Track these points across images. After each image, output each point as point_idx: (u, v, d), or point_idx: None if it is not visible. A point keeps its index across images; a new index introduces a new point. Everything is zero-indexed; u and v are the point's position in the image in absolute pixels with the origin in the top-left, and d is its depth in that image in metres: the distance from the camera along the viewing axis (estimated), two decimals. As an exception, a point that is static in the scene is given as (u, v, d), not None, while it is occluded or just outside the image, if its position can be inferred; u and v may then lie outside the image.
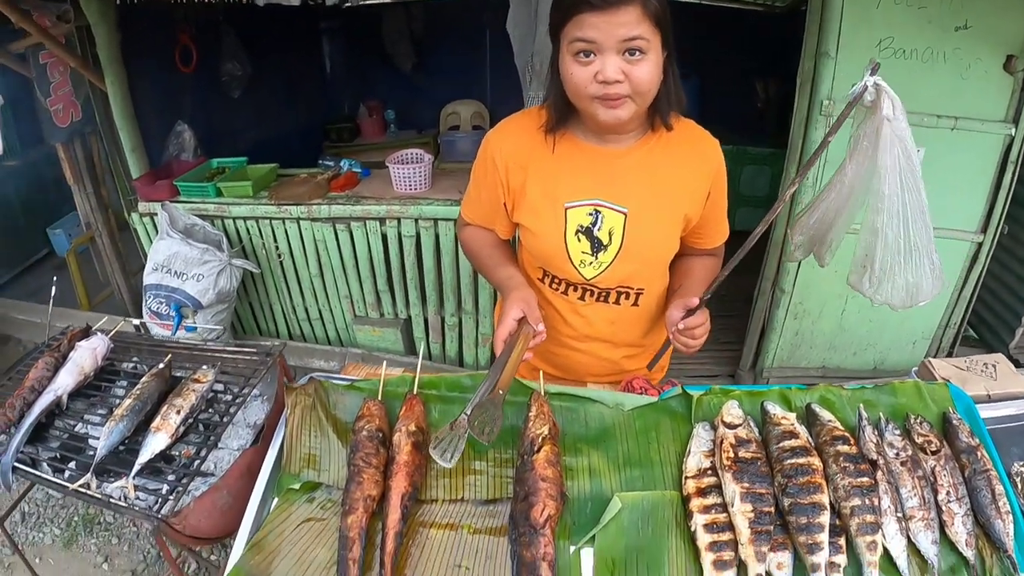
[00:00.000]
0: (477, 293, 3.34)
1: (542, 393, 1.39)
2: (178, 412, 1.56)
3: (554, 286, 1.56)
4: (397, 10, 5.62)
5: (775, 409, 1.33)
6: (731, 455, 1.23)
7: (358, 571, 1.17)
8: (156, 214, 3.43)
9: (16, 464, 1.59)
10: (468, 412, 1.22)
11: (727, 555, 1.11)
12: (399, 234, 3.19)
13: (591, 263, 1.45)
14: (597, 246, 1.43)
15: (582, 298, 1.54)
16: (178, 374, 1.79)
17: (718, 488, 1.22)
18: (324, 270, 3.46)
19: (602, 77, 1.20)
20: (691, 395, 1.42)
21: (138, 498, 1.46)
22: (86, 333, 1.97)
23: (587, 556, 1.19)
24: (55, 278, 2.37)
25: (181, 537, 1.48)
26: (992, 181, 2.65)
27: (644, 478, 1.30)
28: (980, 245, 2.79)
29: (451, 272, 3.26)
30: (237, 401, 1.65)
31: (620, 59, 1.19)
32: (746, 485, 1.17)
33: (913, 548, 1.14)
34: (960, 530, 1.16)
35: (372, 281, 3.38)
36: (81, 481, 1.48)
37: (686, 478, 1.26)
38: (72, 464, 1.63)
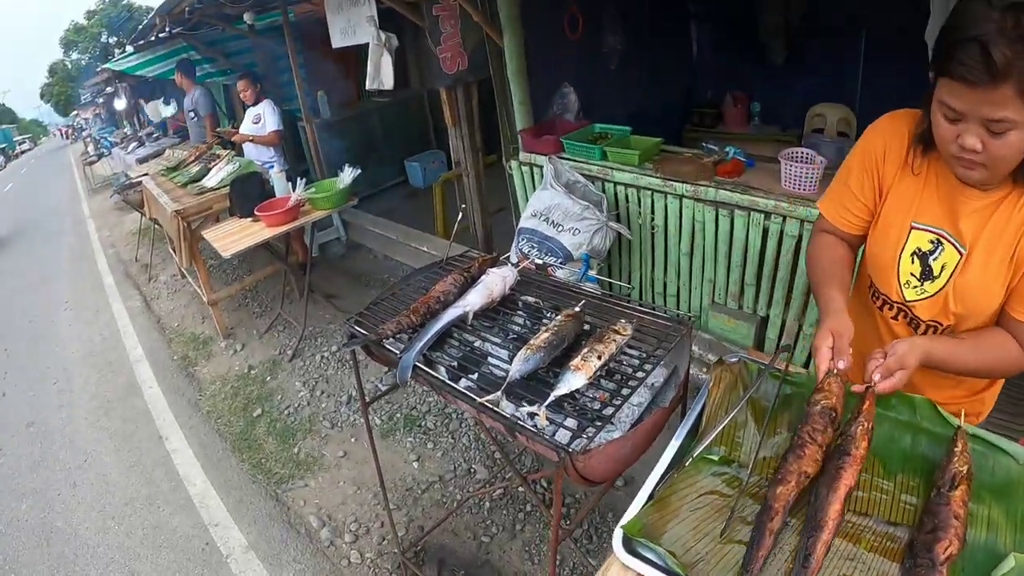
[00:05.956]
0: (844, 308, 3.05)
1: (964, 430, 1.32)
2: (599, 357, 1.58)
3: (875, 299, 1.57)
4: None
5: None
6: None
7: (772, 542, 1.16)
8: (538, 165, 3.61)
9: (415, 364, 1.73)
10: None
11: None
12: (781, 231, 3.00)
13: (916, 287, 1.44)
14: (926, 274, 1.42)
15: (895, 317, 1.53)
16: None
17: None
18: (695, 251, 3.42)
19: (961, 142, 1.19)
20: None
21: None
22: (495, 261, 2.10)
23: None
24: (462, 204, 2.58)
25: (575, 475, 1.51)
26: None
27: (1043, 544, 1.18)
28: None
29: (823, 281, 3.01)
30: (652, 359, 1.65)
31: (983, 130, 1.16)
32: None
33: None
34: None
35: (740, 271, 3.27)
36: (490, 397, 1.57)
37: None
38: (474, 376, 1.74)
